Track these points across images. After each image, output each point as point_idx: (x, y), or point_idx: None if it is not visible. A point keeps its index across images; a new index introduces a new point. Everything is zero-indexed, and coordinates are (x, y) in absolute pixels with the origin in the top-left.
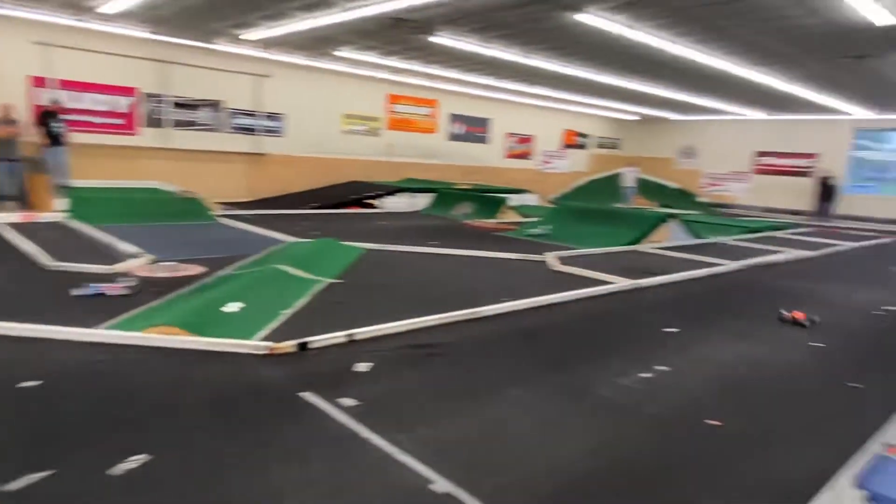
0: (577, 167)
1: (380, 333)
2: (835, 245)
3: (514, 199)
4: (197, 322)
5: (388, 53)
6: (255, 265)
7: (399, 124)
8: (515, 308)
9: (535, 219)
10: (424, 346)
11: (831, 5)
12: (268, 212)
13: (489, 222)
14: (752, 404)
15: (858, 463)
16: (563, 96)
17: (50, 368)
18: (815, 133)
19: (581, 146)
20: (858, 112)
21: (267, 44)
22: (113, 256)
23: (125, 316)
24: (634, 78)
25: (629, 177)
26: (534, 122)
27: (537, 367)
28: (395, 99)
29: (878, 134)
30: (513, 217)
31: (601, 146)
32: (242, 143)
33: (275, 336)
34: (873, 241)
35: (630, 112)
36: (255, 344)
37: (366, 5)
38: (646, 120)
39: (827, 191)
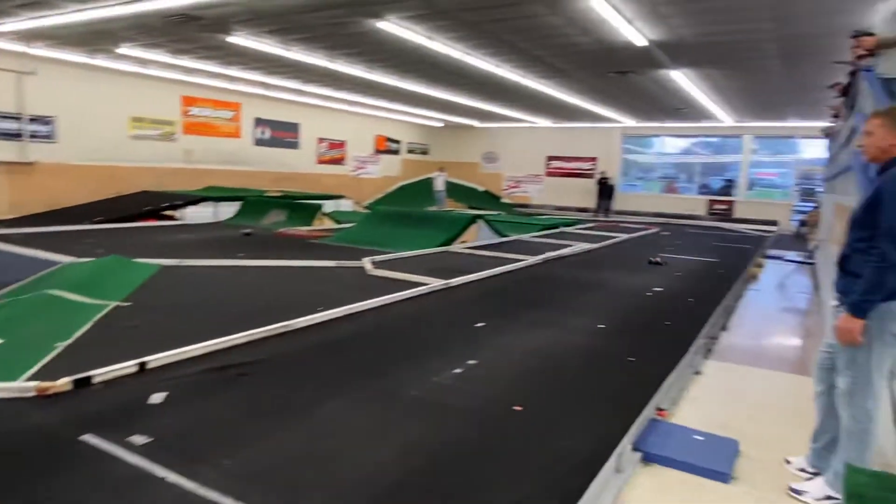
0: (389, 172)
1: (178, 358)
2: (613, 237)
3: (328, 206)
4: None
5: (179, 52)
6: (22, 292)
7: (197, 128)
8: (330, 317)
9: (350, 224)
10: (231, 366)
11: (599, 27)
12: (39, 229)
13: (303, 230)
14: (549, 386)
15: (636, 428)
16: (373, 102)
17: None
18: (593, 139)
19: (393, 151)
20: (626, 120)
21: (28, 36)
22: None
23: None
24: (437, 86)
25: (440, 181)
26: (345, 128)
27: (353, 375)
28: (190, 101)
29: (642, 139)
30: (328, 224)
31: (411, 151)
32: (1, 150)
33: (47, 373)
34: (642, 233)
35: (437, 119)
36: (18, 386)
37: None
38: (452, 126)
39: (605, 190)
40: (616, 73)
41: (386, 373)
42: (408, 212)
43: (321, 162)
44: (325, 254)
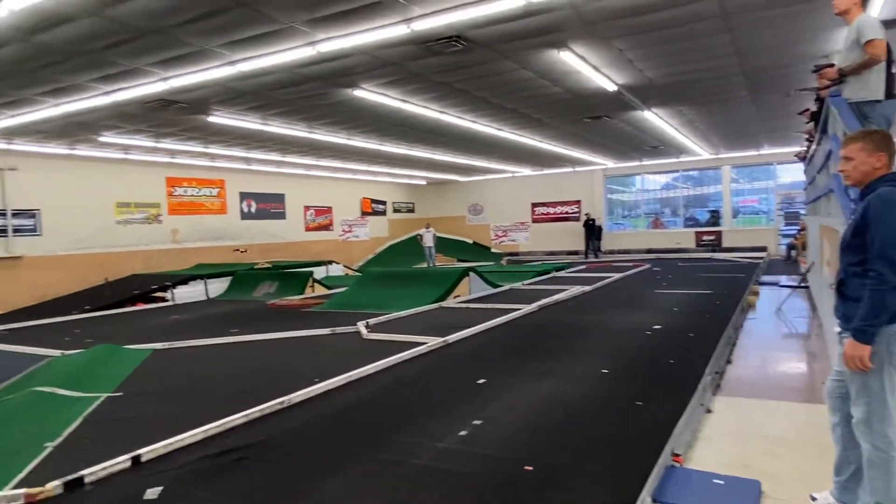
0: (377, 233)
1: (173, 448)
2: (606, 278)
3: (318, 272)
4: None
5: (161, 135)
6: (7, 392)
7: (183, 208)
8: (329, 387)
9: (342, 289)
10: (229, 451)
11: (569, 77)
12: (26, 324)
13: (295, 299)
14: (558, 440)
15: (653, 478)
16: (356, 166)
17: None
18: (575, 182)
19: (379, 212)
20: (606, 162)
21: (8, 133)
22: None
23: None
24: (417, 146)
25: (428, 237)
26: (330, 194)
27: (355, 448)
28: (175, 182)
29: (624, 178)
30: (320, 290)
31: (398, 210)
32: None
33: (37, 476)
34: (634, 270)
35: (420, 177)
36: (6, 494)
37: (126, 88)
38: (436, 183)
39: (592, 231)
40: (590, 119)
41: (390, 442)
42: (399, 271)
43: (309, 229)
44: (319, 322)
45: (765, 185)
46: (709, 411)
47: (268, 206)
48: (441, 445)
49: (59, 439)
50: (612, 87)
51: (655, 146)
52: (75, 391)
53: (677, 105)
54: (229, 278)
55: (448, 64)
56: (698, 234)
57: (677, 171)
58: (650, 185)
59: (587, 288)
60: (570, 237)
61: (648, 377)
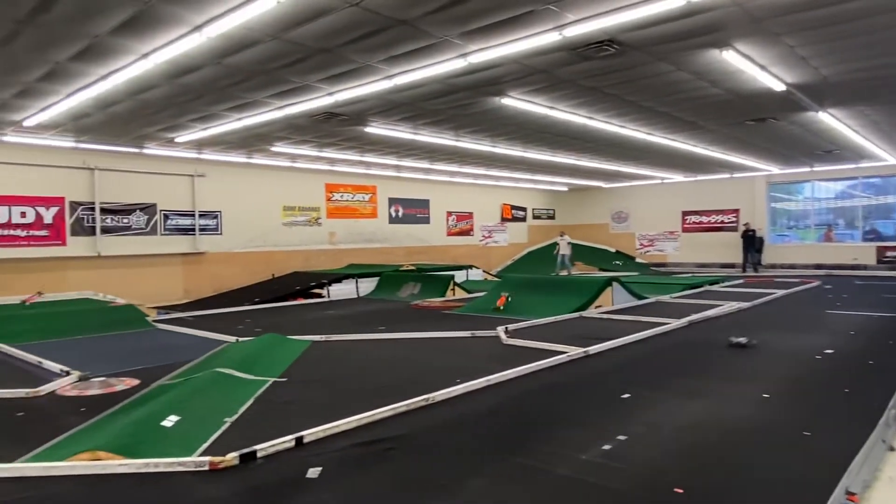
0: (516, 239)
1: (330, 433)
2: (768, 294)
3: (458, 276)
4: (130, 442)
5: (324, 145)
6: (195, 371)
7: (339, 212)
8: (469, 389)
9: (481, 294)
10: (379, 440)
11: (730, 77)
12: (207, 312)
13: (437, 301)
14: (712, 465)
15: None
16: (498, 173)
17: None
18: (733, 190)
19: (519, 219)
20: (770, 168)
21: (200, 144)
22: (37, 377)
23: (50, 444)
24: (561, 152)
25: (564, 244)
26: (472, 199)
27: (496, 450)
28: (333, 188)
29: (790, 186)
30: (460, 294)
31: (538, 217)
32: (178, 244)
33: (218, 447)
34: (801, 287)
35: (562, 183)
36: (194, 460)
37: (297, 103)
38: (577, 189)
39: (751, 242)
40: (754, 121)
41: (529, 448)
42: (539, 278)
43: (450, 234)
44: (459, 324)
45: None
46: (892, 449)
47: (414, 211)
48: (584, 457)
49: (236, 416)
50: (780, 87)
51: (829, 150)
52: (248, 374)
53: (858, 105)
54: (377, 278)
55: (598, 68)
56: (880, 248)
57: (855, 177)
58: (821, 192)
59: (745, 304)
60: (726, 249)
61: (818, 406)
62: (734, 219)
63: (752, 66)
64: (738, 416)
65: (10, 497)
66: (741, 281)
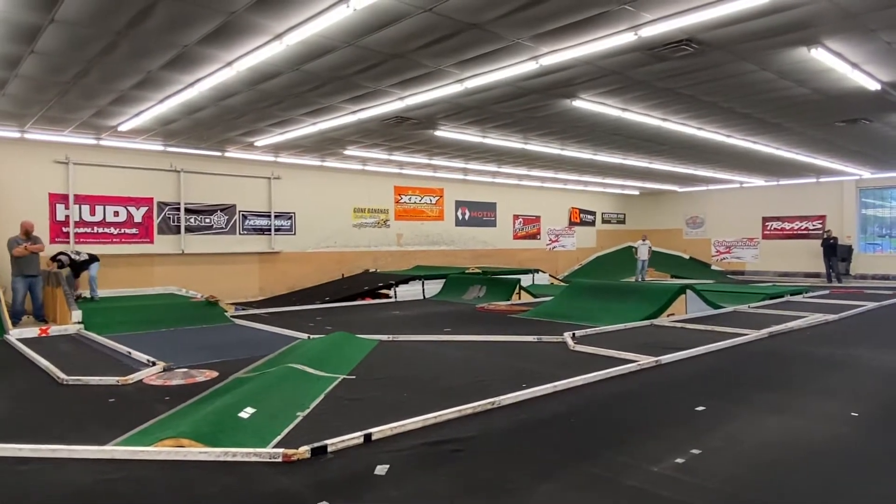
0: (584, 244)
1: (397, 431)
2: (857, 306)
3: (524, 280)
4: (210, 431)
5: (394, 149)
6: (269, 365)
7: (407, 214)
8: (536, 394)
9: (548, 298)
10: (445, 441)
11: (819, 76)
12: (281, 309)
13: (502, 305)
14: (794, 486)
15: None
16: (566, 176)
17: (62, 490)
18: (819, 195)
19: (588, 223)
20: (860, 171)
21: (277, 148)
22: (127, 366)
23: (138, 429)
24: (632, 155)
25: (643, 249)
26: (539, 203)
27: (565, 457)
28: (401, 191)
29: (882, 192)
30: (526, 298)
31: (607, 221)
32: (255, 243)
33: (291, 440)
34: (893, 300)
35: (633, 187)
36: (269, 451)
37: (369, 107)
38: (649, 193)
39: (832, 250)
40: (844, 122)
41: (598, 456)
42: (608, 284)
43: (517, 237)
44: (524, 328)
45: None
46: None
47: (480, 214)
48: (655, 470)
49: (307, 410)
50: (874, 86)
51: None
52: (319, 370)
53: None
54: (443, 280)
55: (674, 69)
56: None
57: None
58: None
59: (831, 317)
60: (810, 257)
61: None
62: (819, 225)
63: (843, 65)
64: (823, 436)
65: (102, 476)
66: (827, 292)
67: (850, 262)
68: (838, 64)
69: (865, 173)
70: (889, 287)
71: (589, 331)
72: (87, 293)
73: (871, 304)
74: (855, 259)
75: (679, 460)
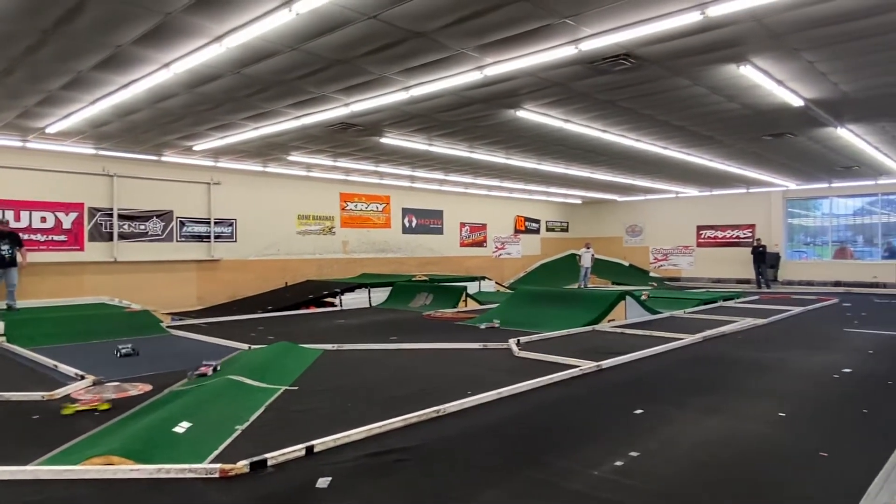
0: (529, 251)
1: (341, 442)
2: (783, 311)
3: (471, 287)
4: (142, 448)
5: (339, 155)
6: (207, 378)
7: (353, 221)
8: (481, 401)
9: (493, 305)
10: (389, 451)
11: (747, 92)
12: (221, 319)
13: (449, 312)
14: (727, 485)
15: None
16: (511, 185)
17: None
18: (749, 205)
19: (532, 231)
20: (787, 183)
21: (217, 153)
22: (53, 380)
23: (64, 447)
24: (575, 165)
25: (587, 257)
26: (485, 211)
27: (508, 463)
28: (347, 197)
29: (807, 202)
30: (472, 305)
31: (551, 230)
32: (193, 251)
33: (229, 454)
34: (818, 305)
35: (576, 196)
36: (205, 467)
37: (313, 113)
38: (591, 202)
39: (761, 258)
40: (771, 136)
41: (541, 462)
42: (552, 291)
43: (463, 245)
44: (471, 336)
45: None
46: None
47: (427, 221)
48: (596, 473)
49: (247, 424)
50: (797, 102)
51: (848, 166)
52: (260, 382)
53: (879, 121)
54: (389, 288)
55: (614, 82)
56: None
57: (875, 194)
58: (840, 209)
59: (760, 321)
60: (742, 264)
61: (835, 427)
62: (750, 234)
63: (769, 82)
64: (753, 435)
65: (24, 499)
66: (756, 297)
67: (777, 268)
68: (765, 81)
69: (792, 185)
70: (814, 292)
71: (533, 337)
72: (2, 303)
73: (797, 309)
74: (782, 266)
75: (618, 463)
